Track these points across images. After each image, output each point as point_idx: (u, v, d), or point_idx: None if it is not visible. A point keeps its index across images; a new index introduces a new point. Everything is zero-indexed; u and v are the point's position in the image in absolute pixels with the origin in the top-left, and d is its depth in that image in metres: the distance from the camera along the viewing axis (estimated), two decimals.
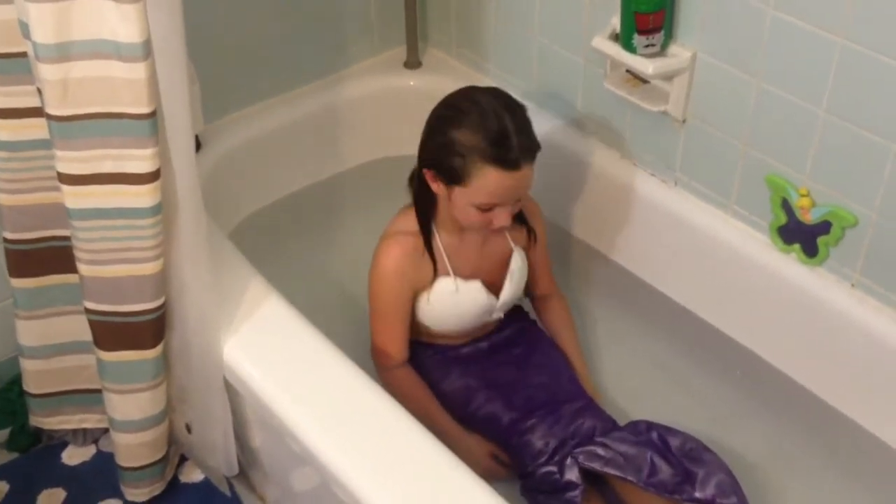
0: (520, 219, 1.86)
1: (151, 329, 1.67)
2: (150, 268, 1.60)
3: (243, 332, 1.70)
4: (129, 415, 1.77)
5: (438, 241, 1.82)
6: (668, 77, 1.92)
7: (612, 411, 1.87)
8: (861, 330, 1.83)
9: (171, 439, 1.91)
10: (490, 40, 2.34)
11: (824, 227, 1.82)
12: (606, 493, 1.77)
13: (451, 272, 1.82)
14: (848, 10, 1.61)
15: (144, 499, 1.92)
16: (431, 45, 2.52)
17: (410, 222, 1.82)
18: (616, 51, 1.93)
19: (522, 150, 1.67)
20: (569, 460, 1.70)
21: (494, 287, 1.87)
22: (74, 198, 1.53)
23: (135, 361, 1.70)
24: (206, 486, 1.98)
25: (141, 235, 1.55)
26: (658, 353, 2.11)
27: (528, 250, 1.92)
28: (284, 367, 1.66)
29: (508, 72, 2.33)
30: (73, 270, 1.66)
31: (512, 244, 1.88)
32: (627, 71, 2.02)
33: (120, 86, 1.41)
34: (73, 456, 2.05)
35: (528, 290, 2.00)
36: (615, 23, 1.92)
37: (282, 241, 2.27)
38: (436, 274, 1.82)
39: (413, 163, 1.80)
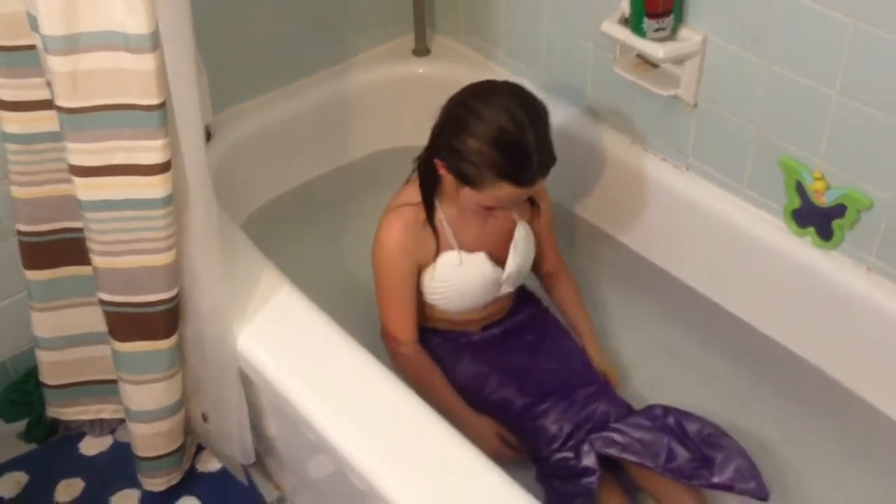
0: None
1: (165, 319, 1.68)
2: (162, 258, 1.60)
3: (257, 322, 1.70)
4: (144, 405, 1.77)
5: (441, 215, 1.81)
6: (679, 61, 1.91)
7: (626, 395, 1.87)
8: (877, 313, 1.82)
9: (188, 429, 1.92)
10: (499, 26, 2.34)
11: (839, 210, 1.81)
12: (622, 479, 1.77)
13: (454, 245, 1.81)
14: None
15: (162, 488, 1.93)
16: (440, 32, 2.52)
17: (413, 194, 1.81)
18: (626, 35, 1.92)
19: (540, 168, 1.66)
20: (585, 446, 1.70)
21: (499, 259, 1.85)
22: (86, 189, 1.53)
23: (149, 352, 1.71)
24: (223, 474, 1.99)
25: (153, 226, 1.56)
26: (672, 337, 2.11)
27: (532, 223, 1.91)
28: (298, 355, 1.66)
29: (517, 58, 2.32)
30: (87, 262, 1.66)
31: (516, 217, 1.87)
32: (637, 55, 2.01)
33: (129, 77, 1.42)
34: (91, 446, 2.06)
35: (536, 267, 1.98)
36: (624, 7, 1.91)
37: (293, 231, 2.28)
38: (439, 248, 1.81)
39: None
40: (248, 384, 1.76)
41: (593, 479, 1.68)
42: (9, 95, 1.58)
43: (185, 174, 1.54)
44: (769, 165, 1.89)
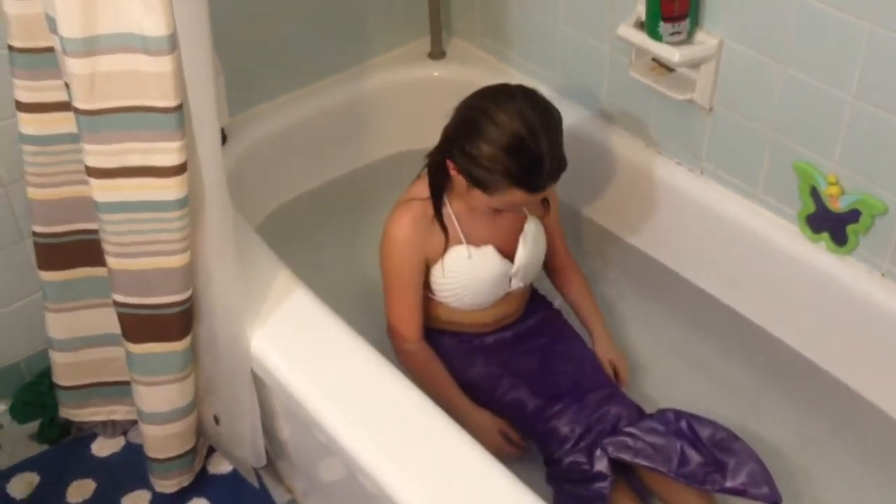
0: None
1: (179, 321, 1.68)
2: (177, 260, 1.60)
3: (270, 324, 1.70)
4: (157, 406, 1.78)
5: (450, 210, 1.81)
6: (695, 65, 1.91)
7: (637, 398, 1.87)
8: (891, 319, 1.81)
9: (200, 431, 1.93)
10: (514, 29, 2.34)
11: (853, 215, 1.80)
12: (633, 483, 1.77)
13: (463, 240, 1.81)
14: None
15: (173, 490, 1.93)
16: (455, 35, 2.52)
17: (423, 190, 1.81)
18: (641, 39, 1.91)
19: (552, 174, 1.66)
20: (598, 451, 1.70)
21: (509, 254, 1.85)
22: (102, 191, 1.54)
23: (163, 353, 1.71)
24: (235, 477, 2.00)
25: (168, 228, 1.56)
26: (684, 340, 2.10)
27: (542, 220, 1.91)
28: (311, 358, 1.66)
29: (533, 61, 2.32)
30: (102, 263, 1.67)
31: (526, 212, 1.87)
32: (653, 59, 2.00)
33: (146, 79, 1.42)
34: (103, 447, 2.06)
35: (546, 263, 1.98)
36: (640, 10, 1.91)
37: (307, 234, 2.28)
38: (448, 243, 1.81)
39: None
40: (260, 386, 1.76)
41: (605, 484, 1.68)
42: (26, 97, 1.59)
43: (200, 176, 1.54)
44: (784, 170, 1.88)
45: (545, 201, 1.90)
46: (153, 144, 1.48)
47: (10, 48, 1.55)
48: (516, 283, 1.88)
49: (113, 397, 1.99)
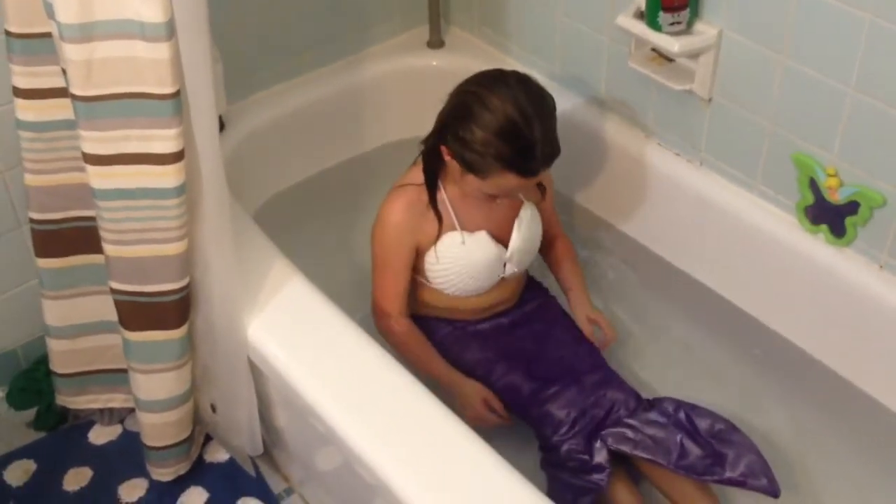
0: None
1: (176, 309, 1.68)
2: (174, 248, 1.60)
3: (267, 313, 1.70)
4: (154, 394, 1.78)
5: (445, 196, 1.81)
6: (694, 55, 1.90)
7: (633, 387, 1.86)
8: (889, 312, 1.81)
9: (196, 419, 1.93)
10: (513, 19, 2.33)
11: (852, 207, 1.80)
12: (630, 470, 1.77)
13: (457, 226, 1.81)
14: None
15: (170, 478, 1.93)
16: (454, 24, 2.51)
17: (418, 176, 1.81)
18: (641, 29, 1.91)
19: (544, 159, 1.67)
20: (598, 443, 1.70)
21: (504, 240, 1.85)
22: (99, 178, 1.53)
23: (160, 341, 1.71)
24: (231, 465, 2.00)
25: (165, 216, 1.56)
26: (681, 332, 2.10)
27: (538, 204, 1.91)
28: (308, 347, 1.66)
29: (532, 51, 2.32)
30: (99, 250, 1.66)
31: (522, 198, 1.87)
32: (652, 49, 2.00)
33: (144, 66, 1.42)
34: (100, 435, 2.06)
35: (540, 249, 1.97)
36: (640, 0, 1.90)
37: (305, 222, 2.28)
38: (441, 229, 1.81)
39: None
40: (257, 375, 1.76)
41: (603, 476, 1.68)
42: (24, 83, 1.59)
43: (198, 164, 1.54)
44: (783, 161, 1.88)
45: (541, 186, 1.90)
46: (150, 131, 1.47)
47: (8, 33, 1.55)
48: (510, 269, 1.87)
49: (110, 385, 1.99)
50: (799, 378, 1.99)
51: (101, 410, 2.05)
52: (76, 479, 1.99)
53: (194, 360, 1.81)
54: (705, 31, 1.87)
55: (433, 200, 1.80)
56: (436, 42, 2.46)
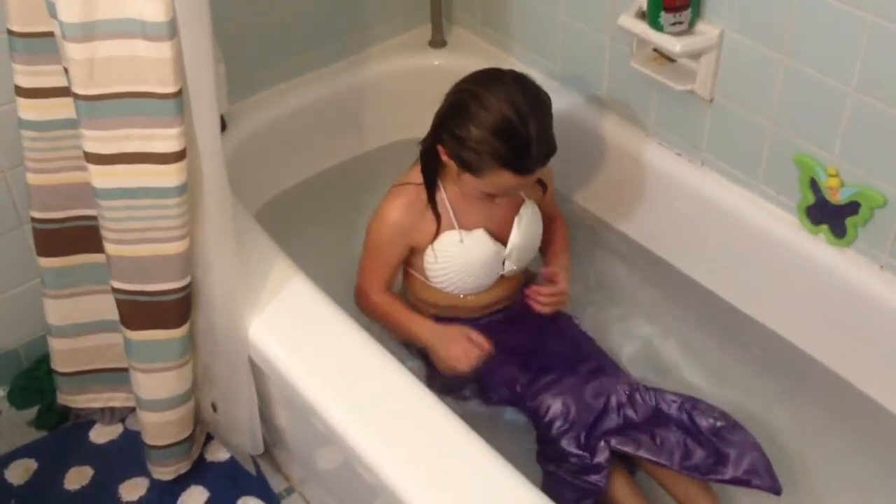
0: None
1: (178, 308, 1.68)
2: (176, 247, 1.60)
3: (268, 312, 1.70)
4: (155, 393, 1.78)
5: (444, 195, 1.82)
6: (696, 55, 1.90)
7: None
8: (889, 312, 1.81)
9: (197, 418, 1.93)
10: (515, 19, 2.33)
11: (853, 207, 1.80)
12: (630, 465, 1.77)
13: (455, 225, 1.82)
14: None
15: (171, 477, 1.93)
16: (456, 23, 2.51)
17: (419, 175, 1.82)
18: (643, 29, 1.91)
19: (540, 157, 1.67)
20: (602, 442, 1.70)
21: (503, 238, 1.85)
22: (101, 177, 1.53)
23: (161, 341, 1.71)
24: (232, 464, 2.00)
25: (167, 215, 1.56)
26: (681, 331, 2.10)
27: (539, 202, 1.91)
28: (309, 346, 1.66)
29: (533, 51, 2.32)
30: (100, 250, 1.67)
31: (524, 195, 1.87)
32: (654, 49, 2.00)
33: (145, 65, 1.42)
34: (101, 434, 2.06)
35: (540, 248, 1.97)
36: (641, 0, 1.90)
37: (307, 222, 2.28)
38: (440, 229, 1.82)
39: None
40: (258, 374, 1.76)
41: (601, 476, 1.68)
42: (26, 82, 1.59)
43: (199, 163, 1.54)
44: (784, 162, 1.88)
45: (541, 184, 1.90)
46: (152, 130, 1.48)
47: (10, 33, 1.55)
48: (509, 266, 1.88)
49: (111, 384, 1.99)
50: (799, 378, 1.99)
51: (102, 409, 2.05)
52: (77, 478, 1.99)
53: (195, 359, 1.81)
54: (707, 31, 1.87)
55: (432, 200, 1.80)
56: (438, 42, 2.46)
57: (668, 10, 1.84)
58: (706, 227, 2.07)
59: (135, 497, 1.95)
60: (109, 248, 1.63)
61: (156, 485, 1.96)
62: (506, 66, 1.77)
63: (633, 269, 2.22)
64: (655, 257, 2.21)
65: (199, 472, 1.98)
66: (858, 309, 1.86)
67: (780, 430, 1.90)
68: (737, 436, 1.71)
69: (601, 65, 2.15)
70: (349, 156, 2.44)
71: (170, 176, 1.51)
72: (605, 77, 2.16)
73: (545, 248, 2.00)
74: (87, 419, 2.08)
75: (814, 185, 1.84)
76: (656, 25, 1.87)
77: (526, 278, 2.00)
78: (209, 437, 2.03)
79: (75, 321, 1.87)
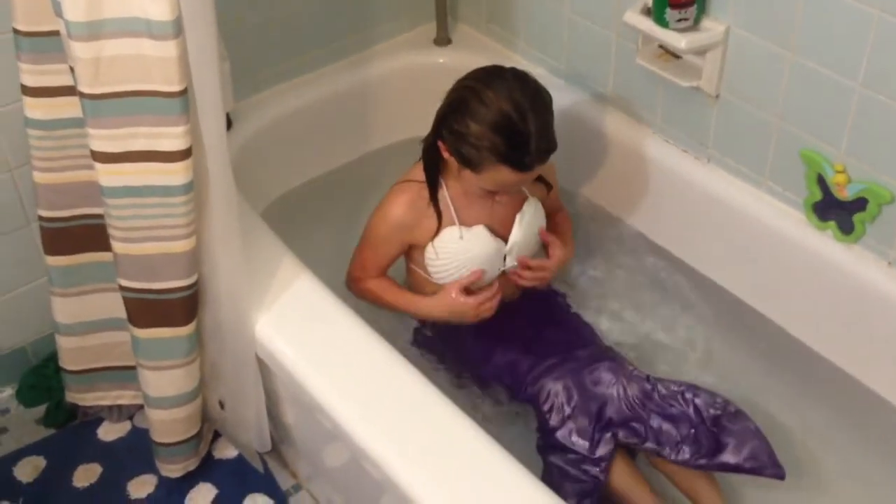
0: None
1: (185, 306, 1.68)
2: (182, 245, 1.61)
3: (275, 309, 1.70)
4: (163, 391, 1.78)
5: (446, 193, 1.83)
6: (701, 52, 1.90)
7: None
8: None
9: (205, 415, 1.93)
10: (520, 16, 2.33)
11: (860, 203, 1.79)
12: (631, 452, 1.77)
13: (456, 222, 1.82)
14: None
15: (179, 474, 1.94)
16: (461, 21, 2.51)
17: (422, 173, 1.84)
18: (648, 25, 1.91)
19: (539, 154, 1.68)
20: (608, 434, 1.70)
21: (506, 235, 1.85)
22: (107, 176, 1.54)
23: (169, 338, 1.72)
24: (240, 461, 2.00)
25: (173, 213, 1.56)
26: (687, 327, 2.09)
27: (543, 201, 1.92)
28: (316, 343, 1.66)
29: (539, 48, 2.32)
30: (107, 248, 1.67)
31: (527, 192, 1.87)
32: (660, 46, 2.00)
33: (151, 64, 1.42)
34: (109, 432, 2.07)
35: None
36: None
37: (312, 220, 2.28)
38: (441, 226, 1.82)
39: None
40: (265, 371, 1.77)
41: (599, 469, 1.68)
42: (32, 81, 1.59)
43: (205, 161, 1.54)
44: (790, 158, 1.88)
45: (545, 183, 1.90)
46: (158, 129, 1.48)
47: (16, 32, 1.55)
48: (510, 262, 1.88)
49: (119, 382, 1.99)
50: (805, 374, 1.98)
51: (111, 407, 2.06)
52: (85, 475, 1.99)
53: (202, 356, 1.82)
54: (712, 27, 1.87)
55: (434, 198, 1.81)
56: (443, 39, 2.46)
57: (674, 6, 1.84)
58: (713, 223, 2.06)
59: (143, 494, 1.95)
60: (116, 246, 1.63)
61: (164, 482, 1.96)
62: (511, 64, 1.77)
63: (638, 265, 2.22)
64: (662, 253, 2.21)
65: (207, 469, 1.98)
66: (865, 305, 1.86)
67: (786, 426, 1.90)
68: (738, 424, 1.71)
69: (607, 62, 2.15)
70: (355, 154, 2.44)
71: (176, 174, 1.52)
72: (610, 74, 2.16)
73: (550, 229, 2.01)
74: (95, 417, 2.09)
75: (821, 181, 1.84)
76: (662, 22, 1.87)
77: None
78: (217, 435, 2.04)
79: (83, 319, 1.87)
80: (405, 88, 2.42)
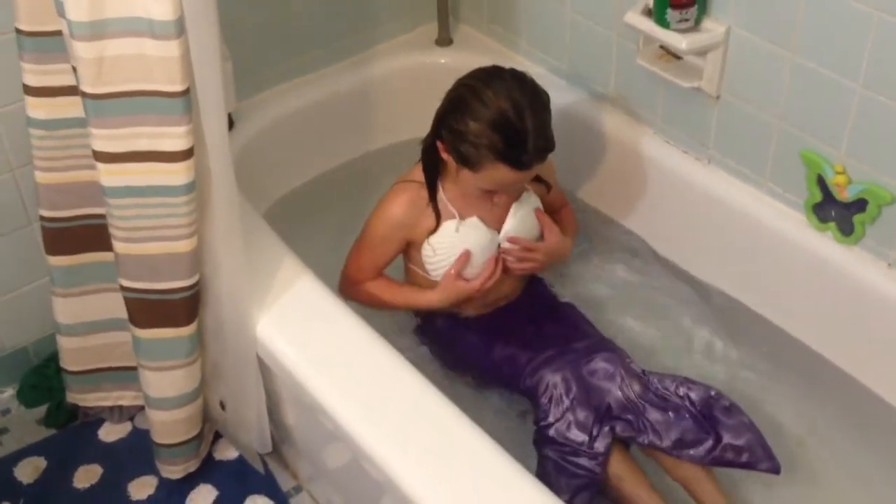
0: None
1: (186, 306, 1.69)
2: (184, 245, 1.61)
3: (276, 310, 1.71)
4: (164, 392, 1.78)
5: (444, 193, 1.84)
6: (702, 52, 1.90)
7: None
8: None
9: (206, 416, 1.93)
10: (522, 16, 2.33)
11: (860, 204, 1.79)
12: (628, 444, 1.77)
13: (455, 217, 1.83)
14: None
15: (179, 476, 1.94)
16: (462, 21, 2.51)
17: (421, 173, 1.84)
18: (649, 26, 1.91)
19: (537, 152, 1.69)
20: (606, 427, 1.70)
21: (500, 228, 1.86)
22: (109, 176, 1.54)
23: (170, 339, 1.72)
24: (240, 463, 2.00)
25: (175, 213, 1.56)
26: (687, 328, 2.10)
27: (543, 199, 1.92)
28: (317, 344, 1.66)
29: (540, 48, 2.32)
30: (109, 248, 1.67)
31: (527, 186, 1.88)
32: (661, 46, 2.00)
33: (153, 63, 1.42)
34: (110, 433, 2.07)
35: None
36: None
37: (314, 220, 2.28)
38: (439, 224, 1.83)
39: None
40: (266, 372, 1.77)
41: (595, 464, 1.68)
42: (34, 81, 1.60)
43: (207, 161, 1.54)
44: (791, 159, 1.88)
45: (544, 183, 1.91)
46: (160, 129, 1.48)
47: (18, 31, 1.56)
48: (504, 243, 1.87)
49: (120, 382, 1.99)
50: (805, 375, 1.98)
51: (111, 408, 2.06)
52: (86, 476, 1.99)
53: (204, 357, 1.82)
54: (713, 28, 1.87)
55: (433, 198, 1.82)
56: (444, 40, 2.46)
57: (675, 7, 1.84)
58: (713, 224, 2.07)
59: (144, 496, 1.95)
60: (118, 246, 1.63)
61: (164, 483, 1.96)
62: (512, 65, 1.78)
63: (638, 266, 2.22)
64: (660, 253, 2.21)
65: (208, 470, 1.98)
66: (866, 306, 1.86)
67: (786, 426, 1.90)
68: (732, 417, 1.71)
69: (608, 62, 2.15)
70: (357, 154, 2.44)
71: (178, 174, 1.52)
72: (611, 74, 2.16)
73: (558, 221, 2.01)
74: (96, 417, 2.08)
75: (821, 182, 1.84)
76: (663, 22, 1.87)
77: (530, 275, 2.00)
78: (217, 436, 2.04)
79: (84, 320, 1.87)
80: (406, 89, 2.42)
